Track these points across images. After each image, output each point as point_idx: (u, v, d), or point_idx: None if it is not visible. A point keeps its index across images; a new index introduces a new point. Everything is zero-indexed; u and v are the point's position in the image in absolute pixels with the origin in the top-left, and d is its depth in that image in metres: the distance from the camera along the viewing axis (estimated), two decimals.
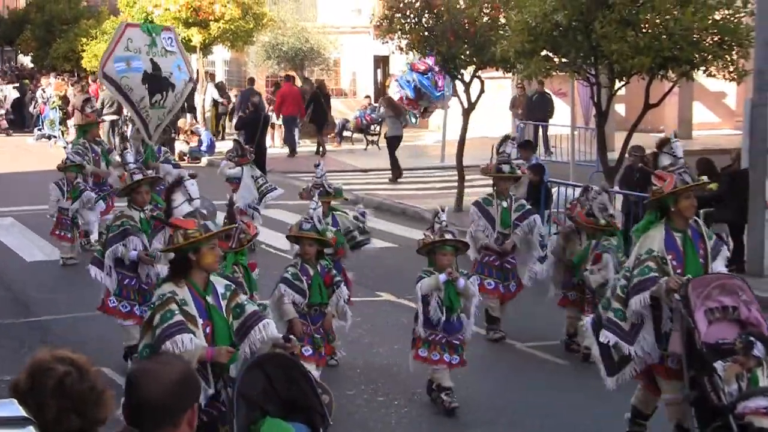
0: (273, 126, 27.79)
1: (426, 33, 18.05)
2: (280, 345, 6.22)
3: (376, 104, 29.04)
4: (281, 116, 27.85)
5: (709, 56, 13.45)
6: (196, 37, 28.36)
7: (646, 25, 13.58)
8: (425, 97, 27.67)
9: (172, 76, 15.50)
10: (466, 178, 19.20)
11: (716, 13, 13.51)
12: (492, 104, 25.84)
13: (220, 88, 31.17)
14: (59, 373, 3.40)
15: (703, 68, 13.80)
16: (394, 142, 23.76)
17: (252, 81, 29.19)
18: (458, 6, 17.83)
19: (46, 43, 39.24)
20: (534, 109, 26.41)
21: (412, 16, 18.24)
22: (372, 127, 29.29)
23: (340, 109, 33.06)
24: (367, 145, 29.21)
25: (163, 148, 16.30)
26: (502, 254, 11.05)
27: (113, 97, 26.56)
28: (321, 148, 27.80)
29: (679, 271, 7.39)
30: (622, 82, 14.75)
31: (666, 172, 7.49)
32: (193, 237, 6.21)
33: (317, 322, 8.88)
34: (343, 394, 9.02)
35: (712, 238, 7.74)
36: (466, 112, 18.86)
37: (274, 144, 28.27)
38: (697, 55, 13.45)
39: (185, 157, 25.77)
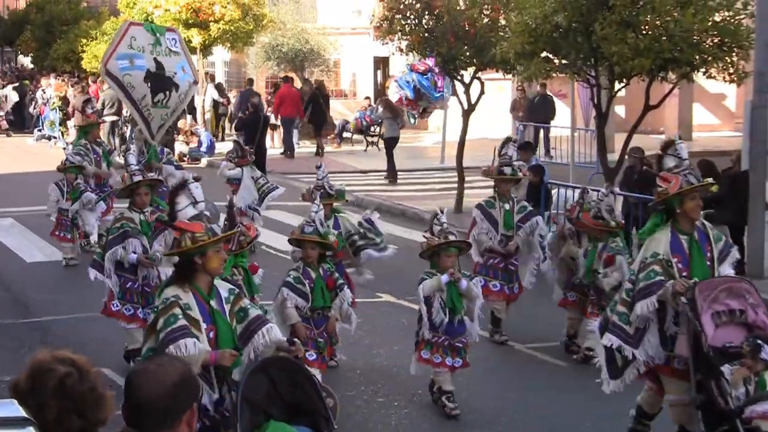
0: (273, 127, 27.79)
1: (426, 34, 18.06)
2: (284, 348, 6.18)
3: (376, 105, 29.04)
4: (280, 117, 27.85)
5: (709, 58, 13.45)
6: (196, 38, 28.37)
7: (646, 27, 13.58)
8: (424, 97, 27.69)
9: (176, 76, 15.48)
10: (466, 179, 19.22)
11: (716, 14, 13.51)
12: (492, 106, 25.86)
13: (219, 88, 31.18)
14: (60, 374, 3.41)
15: (703, 70, 13.79)
16: (391, 143, 23.79)
17: (251, 82, 29.19)
18: (458, 7, 17.83)
19: (46, 43, 39.25)
20: (536, 110, 26.42)
21: (412, 17, 18.25)
22: (372, 129, 29.29)
23: (340, 111, 33.08)
24: (367, 146, 29.22)
25: (165, 150, 16.29)
26: (506, 256, 11.05)
27: (113, 97, 26.72)
28: (320, 149, 27.82)
29: (685, 274, 7.33)
30: (622, 84, 14.75)
31: (671, 174, 7.44)
32: (202, 240, 6.17)
33: (321, 325, 8.85)
34: (343, 396, 9.00)
35: (721, 240, 7.67)
36: (466, 114, 18.86)
37: (274, 145, 28.28)
38: (697, 57, 13.45)
39: (185, 158, 25.77)
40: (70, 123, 30.64)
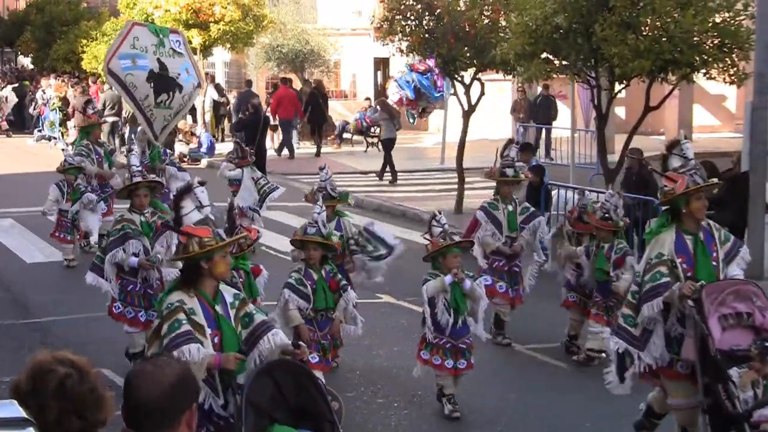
0: (273, 128, 27.81)
1: (426, 35, 18.06)
2: (289, 352, 6.14)
3: (374, 106, 29.05)
4: (278, 119, 27.85)
5: (710, 59, 13.45)
6: (197, 38, 28.38)
7: (647, 28, 13.59)
8: (424, 97, 27.69)
9: (179, 77, 15.46)
10: (466, 180, 19.22)
11: (716, 15, 13.52)
12: (492, 107, 25.89)
13: (218, 88, 31.20)
14: (60, 375, 3.41)
15: (704, 71, 13.80)
16: (388, 144, 23.82)
17: (249, 83, 29.22)
18: (459, 8, 17.84)
19: (46, 44, 39.25)
20: (538, 111, 26.43)
21: (412, 18, 18.25)
22: (372, 129, 29.29)
23: (340, 111, 33.09)
24: (367, 147, 29.22)
25: (168, 151, 16.29)
26: (512, 257, 11.05)
27: (114, 98, 26.74)
28: (318, 149, 27.85)
29: (689, 274, 7.26)
30: (623, 85, 14.76)
31: (677, 174, 7.39)
32: (209, 245, 6.13)
33: (324, 327, 8.82)
34: (342, 396, 8.96)
35: (729, 241, 7.59)
36: (466, 115, 18.87)
37: (274, 146, 28.29)
38: (697, 58, 13.45)
39: (185, 159, 25.78)
40: (70, 123, 30.66)
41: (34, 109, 33.70)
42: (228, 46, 30.32)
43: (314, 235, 8.76)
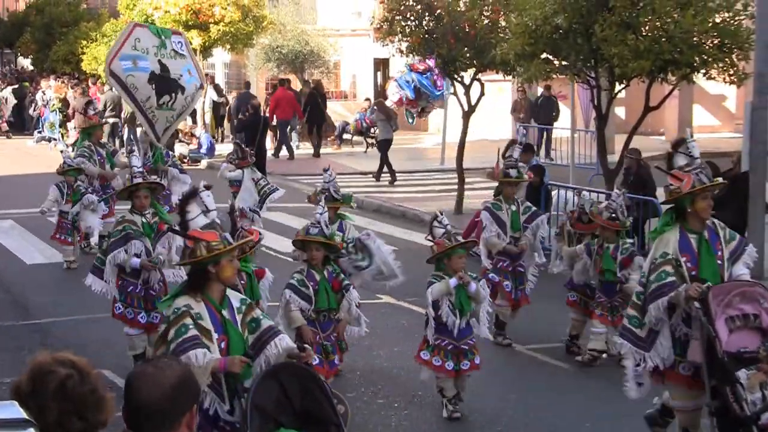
0: (273, 129, 27.80)
1: (426, 36, 18.06)
2: (294, 355, 6.10)
3: (371, 107, 29.06)
4: (276, 120, 27.84)
5: (709, 59, 13.46)
6: (196, 39, 28.36)
7: (646, 28, 13.59)
8: (424, 96, 27.68)
9: (181, 78, 15.45)
10: (466, 180, 19.22)
11: (716, 16, 13.52)
12: (492, 107, 25.88)
13: (217, 89, 31.20)
14: (60, 376, 3.41)
15: (703, 71, 13.80)
16: (385, 145, 23.84)
17: (248, 85, 29.23)
18: (459, 9, 17.84)
19: (46, 45, 39.26)
20: (539, 112, 26.43)
21: (412, 18, 18.25)
22: (372, 130, 29.28)
23: (340, 112, 33.09)
24: (367, 147, 29.21)
25: (171, 153, 16.30)
26: (515, 258, 11.05)
27: (114, 99, 26.75)
28: (316, 150, 27.86)
29: (693, 273, 7.21)
30: (622, 85, 14.76)
31: (683, 172, 7.33)
32: (217, 249, 6.10)
33: (327, 328, 8.75)
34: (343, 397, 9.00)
35: (734, 240, 7.53)
36: (466, 115, 18.87)
37: (273, 147, 28.30)
38: (697, 58, 13.45)
39: (185, 160, 25.78)
40: (70, 125, 30.67)
41: (34, 110, 33.72)
42: (228, 47, 30.32)
43: (317, 235, 8.70)
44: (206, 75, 30.92)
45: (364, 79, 35.98)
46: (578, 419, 8.92)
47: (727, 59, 13.55)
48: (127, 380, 3.66)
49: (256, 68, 32.97)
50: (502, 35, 16.96)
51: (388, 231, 17.10)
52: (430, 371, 8.92)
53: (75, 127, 29.02)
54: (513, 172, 11.10)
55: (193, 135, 27.85)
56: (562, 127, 24.43)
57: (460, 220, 16.11)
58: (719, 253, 7.37)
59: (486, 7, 17.67)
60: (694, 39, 13.32)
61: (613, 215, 10.27)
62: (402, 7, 18.27)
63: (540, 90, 26.72)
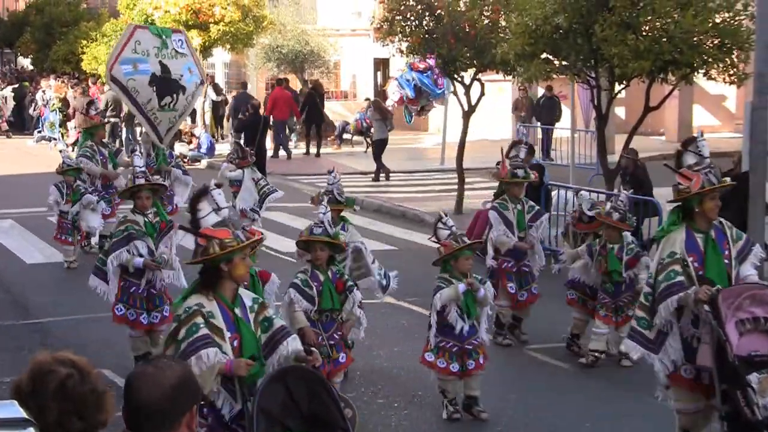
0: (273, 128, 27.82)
1: (426, 35, 18.06)
2: (301, 358, 6.09)
3: (367, 107, 29.07)
4: (273, 120, 27.83)
5: (710, 59, 13.46)
6: (196, 39, 28.35)
7: (647, 29, 13.59)
8: (424, 95, 27.66)
9: (182, 78, 15.44)
10: (466, 180, 19.22)
11: (716, 16, 13.52)
12: (492, 107, 25.87)
13: (216, 88, 31.20)
14: (61, 376, 3.41)
15: (704, 71, 13.81)
16: (380, 145, 23.82)
17: (245, 85, 29.20)
18: (459, 9, 17.84)
19: (46, 45, 39.23)
20: (541, 112, 26.41)
21: (412, 18, 18.25)
22: (372, 130, 29.27)
23: (340, 112, 33.09)
24: (367, 147, 29.18)
25: (174, 153, 16.30)
26: (522, 256, 11.06)
27: (114, 99, 26.73)
28: (314, 149, 27.85)
29: (700, 272, 7.16)
30: (623, 85, 14.76)
31: (692, 172, 7.27)
32: (230, 246, 6.07)
33: (329, 329, 8.67)
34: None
35: (741, 239, 7.50)
36: (467, 115, 18.87)
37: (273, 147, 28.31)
38: (697, 58, 13.45)
39: (185, 160, 25.76)
40: (70, 124, 30.66)
41: (34, 110, 33.71)
42: (228, 46, 30.32)
43: (321, 235, 8.63)
44: (206, 75, 31.01)
45: (364, 79, 35.99)
46: (578, 419, 8.92)
47: (727, 59, 13.55)
48: (127, 380, 3.66)
49: (256, 68, 32.98)
50: (502, 35, 16.96)
51: (388, 231, 17.11)
52: (435, 373, 8.90)
53: (75, 127, 29.02)
54: (520, 173, 11.11)
55: (192, 135, 27.85)
56: (562, 127, 24.42)
57: (461, 220, 16.09)
58: (726, 252, 7.32)
59: (486, 7, 17.66)
60: (694, 39, 13.32)
61: (623, 216, 10.28)
62: (402, 7, 18.26)
63: (540, 90, 26.69)
